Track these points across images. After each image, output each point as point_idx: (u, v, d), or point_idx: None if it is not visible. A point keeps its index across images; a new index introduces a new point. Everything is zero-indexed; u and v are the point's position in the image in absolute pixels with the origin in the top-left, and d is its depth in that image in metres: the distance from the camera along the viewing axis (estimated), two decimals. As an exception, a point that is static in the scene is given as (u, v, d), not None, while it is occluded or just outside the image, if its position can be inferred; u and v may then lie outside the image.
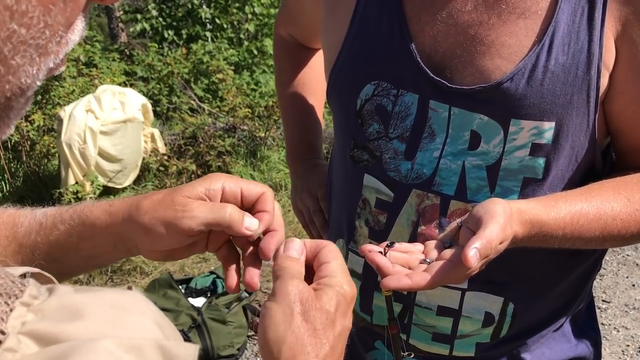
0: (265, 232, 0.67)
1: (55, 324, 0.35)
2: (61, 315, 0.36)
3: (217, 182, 0.66)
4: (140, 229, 0.64)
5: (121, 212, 0.66)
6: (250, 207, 0.67)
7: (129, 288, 0.43)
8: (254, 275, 0.65)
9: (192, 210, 0.63)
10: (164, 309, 2.82)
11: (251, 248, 0.68)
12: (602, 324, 3.00)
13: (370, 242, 0.98)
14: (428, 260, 0.81)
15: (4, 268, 0.37)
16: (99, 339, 0.34)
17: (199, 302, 2.88)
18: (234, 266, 0.68)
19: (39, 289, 0.38)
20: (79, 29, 0.40)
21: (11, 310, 0.35)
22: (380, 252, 0.80)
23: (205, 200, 0.65)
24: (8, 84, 0.37)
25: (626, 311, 3.14)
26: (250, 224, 0.65)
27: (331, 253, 0.62)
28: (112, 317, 0.37)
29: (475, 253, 0.74)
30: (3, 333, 0.33)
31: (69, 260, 0.69)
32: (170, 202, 0.64)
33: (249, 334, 2.94)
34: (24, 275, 0.39)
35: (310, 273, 0.62)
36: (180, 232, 0.63)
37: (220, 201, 0.66)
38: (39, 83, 0.40)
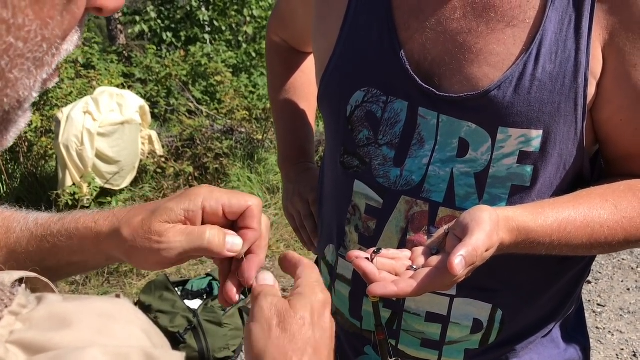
0: (247, 253, 0.66)
1: (43, 332, 0.35)
2: (49, 324, 0.36)
3: (197, 201, 0.63)
4: (122, 254, 0.64)
5: (104, 234, 0.65)
6: (235, 220, 0.66)
7: (117, 296, 0.43)
8: (230, 290, 0.66)
9: (168, 242, 0.61)
10: (160, 311, 2.82)
11: (233, 266, 0.68)
12: (596, 327, 3.01)
13: (360, 248, 0.99)
14: (415, 267, 0.81)
15: None
16: (85, 347, 0.34)
17: (195, 304, 2.89)
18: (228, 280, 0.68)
19: (27, 298, 0.38)
20: (73, 39, 0.41)
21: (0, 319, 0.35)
22: (367, 259, 0.81)
23: (185, 223, 0.63)
24: (6, 98, 0.37)
25: (621, 315, 3.14)
26: (232, 245, 0.63)
27: (306, 269, 0.64)
28: (99, 325, 0.37)
29: (460, 261, 0.74)
30: None
31: (61, 268, 0.69)
32: (147, 230, 0.62)
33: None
34: (16, 283, 0.39)
35: None
36: (160, 262, 0.63)
37: (202, 221, 0.64)
38: (35, 95, 0.40)
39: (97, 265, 0.71)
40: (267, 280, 0.64)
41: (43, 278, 0.45)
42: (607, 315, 3.14)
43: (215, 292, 2.97)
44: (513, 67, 0.88)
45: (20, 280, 0.41)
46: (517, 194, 0.92)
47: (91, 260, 0.68)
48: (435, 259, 0.79)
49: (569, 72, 0.87)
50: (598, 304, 3.23)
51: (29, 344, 0.35)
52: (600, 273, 3.50)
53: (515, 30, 0.89)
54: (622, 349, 2.91)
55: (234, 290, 0.66)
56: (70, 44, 0.41)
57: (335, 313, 1.10)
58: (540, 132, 0.89)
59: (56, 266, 0.68)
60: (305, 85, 1.37)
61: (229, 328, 2.79)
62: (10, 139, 0.42)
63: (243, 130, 4.64)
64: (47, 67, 0.39)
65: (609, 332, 3.02)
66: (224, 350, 2.77)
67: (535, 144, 0.89)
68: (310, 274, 0.64)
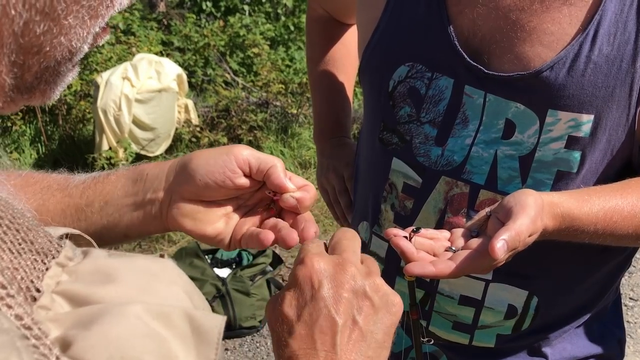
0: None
1: (88, 286, 0.36)
2: (94, 278, 0.37)
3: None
4: (190, 161, 0.64)
5: (172, 160, 0.67)
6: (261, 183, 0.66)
7: (162, 256, 0.43)
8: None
9: (233, 151, 0.64)
10: (189, 278, 2.87)
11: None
12: (627, 321, 2.95)
13: (395, 227, 0.97)
14: (454, 249, 0.79)
15: (44, 227, 0.38)
16: (128, 304, 0.35)
17: (224, 272, 2.92)
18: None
19: (74, 251, 0.39)
20: None
21: (47, 269, 0.36)
22: (406, 237, 0.80)
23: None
24: (60, 46, 0.37)
25: (654, 310, 3.08)
26: (290, 182, 0.64)
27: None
28: (143, 283, 0.38)
29: (503, 245, 0.72)
30: (38, 290, 0.34)
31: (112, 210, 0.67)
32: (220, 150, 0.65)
33: (271, 307, 2.97)
34: (62, 237, 0.39)
35: None
36: (234, 160, 0.63)
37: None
38: (86, 48, 0.40)
39: (139, 211, 0.67)
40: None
41: (86, 236, 0.45)
42: (639, 310, 3.07)
43: (244, 262, 3.00)
44: (567, 48, 0.85)
45: (65, 236, 0.41)
46: (563, 180, 0.90)
47: (141, 192, 0.66)
48: (475, 242, 0.77)
49: (627, 55, 0.83)
50: (630, 298, 3.16)
51: (74, 296, 0.35)
52: (634, 267, 3.42)
53: (572, 9, 0.85)
54: (653, 345, 2.85)
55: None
56: None
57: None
58: (592, 116, 0.85)
59: (107, 206, 0.67)
60: (344, 57, 1.34)
61: (256, 298, 2.82)
62: (57, 92, 0.41)
63: (278, 103, 4.62)
64: (100, 19, 0.39)
65: (640, 326, 2.96)
66: (250, 320, 2.80)
67: (586, 128, 0.86)
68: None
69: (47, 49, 0.36)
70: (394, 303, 0.56)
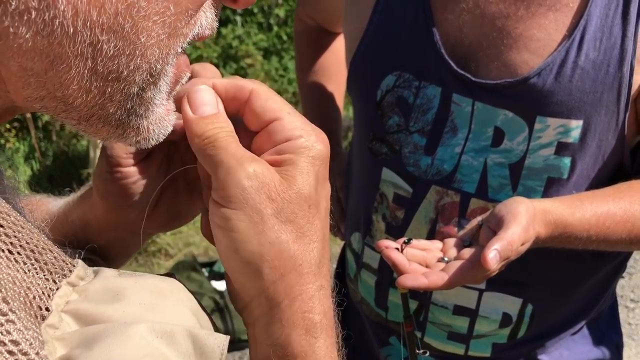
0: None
1: (97, 305, 0.36)
2: (103, 297, 0.37)
3: None
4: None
5: None
6: None
7: (171, 275, 0.43)
8: None
9: None
10: (186, 291, 2.86)
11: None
12: (629, 323, 2.94)
13: (387, 238, 0.97)
14: (446, 259, 0.79)
15: (58, 248, 0.39)
16: (133, 323, 0.35)
17: (221, 285, 2.91)
18: None
19: (86, 271, 0.39)
20: (208, 15, 0.37)
21: (58, 288, 0.36)
22: (397, 249, 0.79)
23: None
24: (139, 70, 0.34)
25: (654, 311, 3.06)
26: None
27: (277, 102, 0.43)
28: (150, 302, 0.38)
29: (495, 255, 0.72)
30: (47, 310, 0.34)
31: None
32: None
33: (270, 319, 2.96)
34: (75, 256, 0.40)
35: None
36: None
37: None
38: (170, 70, 0.37)
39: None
40: (206, 105, 0.41)
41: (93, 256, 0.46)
42: None
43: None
44: (554, 54, 0.84)
45: (78, 255, 0.41)
46: (554, 186, 0.89)
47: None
48: (468, 252, 0.77)
49: (613, 60, 0.83)
50: (631, 300, 3.15)
51: (82, 315, 0.36)
52: (634, 268, 3.41)
53: (558, 14, 0.85)
54: (654, 346, 2.84)
55: None
56: (206, 18, 0.37)
57: (360, 302, 1.08)
58: (580, 122, 0.85)
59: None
60: (333, 66, 1.33)
61: (254, 311, 2.81)
62: (155, 129, 0.38)
63: (272, 113, 4.62)
64: (181, 39, 0.36)
65: (641, 328, 2.95)
66: (248, 333, 2.79)
67: (575, 134, 0.86)
68: (287, 109, 0.43)
69: (125, 73, 0.34)
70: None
